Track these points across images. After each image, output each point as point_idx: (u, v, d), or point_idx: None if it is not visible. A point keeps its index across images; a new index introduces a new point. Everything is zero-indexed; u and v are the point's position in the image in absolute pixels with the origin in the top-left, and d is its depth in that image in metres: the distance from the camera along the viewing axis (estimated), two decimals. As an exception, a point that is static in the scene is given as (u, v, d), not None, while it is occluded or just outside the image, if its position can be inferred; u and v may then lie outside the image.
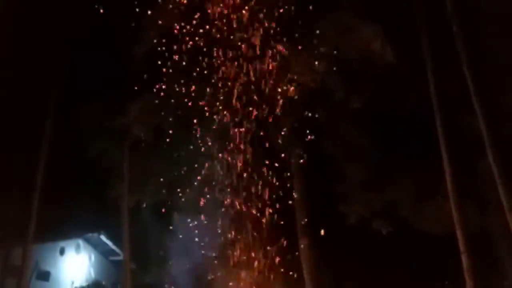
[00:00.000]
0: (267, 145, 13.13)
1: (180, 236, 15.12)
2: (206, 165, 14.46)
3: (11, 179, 16.30)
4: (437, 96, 11.11)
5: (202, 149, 14.47)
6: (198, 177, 14.58)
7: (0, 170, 15.61)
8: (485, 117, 9.47)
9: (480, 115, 9.53)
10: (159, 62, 12.71)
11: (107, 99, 14.69)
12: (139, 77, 13.64)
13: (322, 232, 13.59)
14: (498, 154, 9.27)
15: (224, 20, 12.04)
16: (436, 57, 11.25)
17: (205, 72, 12.58)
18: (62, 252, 18.52)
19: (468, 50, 9.98)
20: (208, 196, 14.34)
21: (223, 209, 14.03)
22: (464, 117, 11.51)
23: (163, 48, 12.61)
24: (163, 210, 15.81)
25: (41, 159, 15.43)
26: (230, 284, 13.23)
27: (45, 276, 17.51)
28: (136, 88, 13.85)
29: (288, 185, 13.85)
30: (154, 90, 13.48)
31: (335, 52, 12.24)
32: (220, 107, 13.07)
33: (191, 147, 14.22)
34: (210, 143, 14.21)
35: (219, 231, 14.04)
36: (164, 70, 12.88)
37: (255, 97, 13.14)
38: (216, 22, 12.07)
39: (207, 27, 12.18)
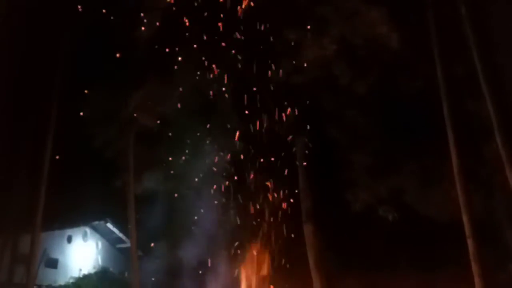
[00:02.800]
0: (272, 132, 13.13)
1: (186, 223, 15.22)
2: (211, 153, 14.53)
3: (18, 169, 16.43)
4: (444, 81, 10.99)
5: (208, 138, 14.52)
6: (203, 165, 14.65)
7: (7, 160, 15.74)
8: (493, 100, 9.38)
9: (488, 98, 9.44)
10: (163, 48, 12.65)
11: (111, 87, 14.63)
12: (143, 64, 13.60)
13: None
14: (506, 138, 9.19)
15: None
16: (443, 41, 11.10)
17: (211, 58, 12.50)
18: (69, 240, 18.75)
19: (476, 32, 9.83)
20: (213, 183, 14.42)
21: (228, 197, 14.14)
22: (469, 102, 11.41)
23: (167, 33, 12.53)
24: (169, 198, 15.90)
25: (47, 148, 15.51)
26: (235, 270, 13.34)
27: (53, 263, 17.77)
28: (140, 75, 13.80)
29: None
30: (159, 77, 13.46)
31: (340, 37, 12.09)
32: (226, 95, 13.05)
33: (197, 135, 14.24)
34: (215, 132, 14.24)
35: (224, 218, 14.15)
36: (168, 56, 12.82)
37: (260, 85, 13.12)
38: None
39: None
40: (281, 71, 12.64)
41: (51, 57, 15.71)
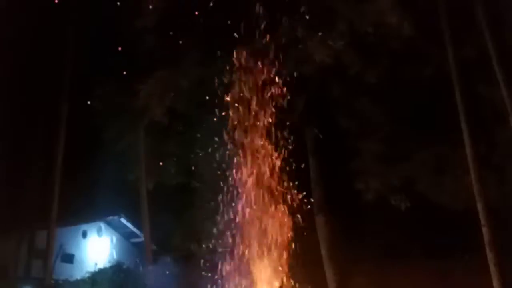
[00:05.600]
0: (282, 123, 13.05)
1: (199, 216, 15.28)
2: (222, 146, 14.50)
3: (33, 165, 16.72)
4: (456, 66, 10.79)
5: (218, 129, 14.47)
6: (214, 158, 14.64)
7: (21, 157, 16.02)
8: (507, 84, 9.19)
9: (502, 82, 9.25)
10: (170, 37, 12.61)
11: (120, 80, 14.67)
12: (153, 57, 13.61)
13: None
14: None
15: None
16: (454, 25, 10.88)
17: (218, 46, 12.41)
18: (84, 235, 19.05)
19: (489, 15, 9.62)
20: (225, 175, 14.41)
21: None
22: (481, 87, 11.20)
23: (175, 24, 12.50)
24: (181, 191, 15.99)
25: (60, 144, 15.73)
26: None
27: (69, 258, 18.09)
28: (149, 66, 13.79)
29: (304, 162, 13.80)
30: (168, 67, 13.43)
31: (350, 26, 11.90)
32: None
33: (207, 127, 14.21)
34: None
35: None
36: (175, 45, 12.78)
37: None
38: None
39: None
40: (289, 60, 12.51)
41: (61, 52, 15.87)
